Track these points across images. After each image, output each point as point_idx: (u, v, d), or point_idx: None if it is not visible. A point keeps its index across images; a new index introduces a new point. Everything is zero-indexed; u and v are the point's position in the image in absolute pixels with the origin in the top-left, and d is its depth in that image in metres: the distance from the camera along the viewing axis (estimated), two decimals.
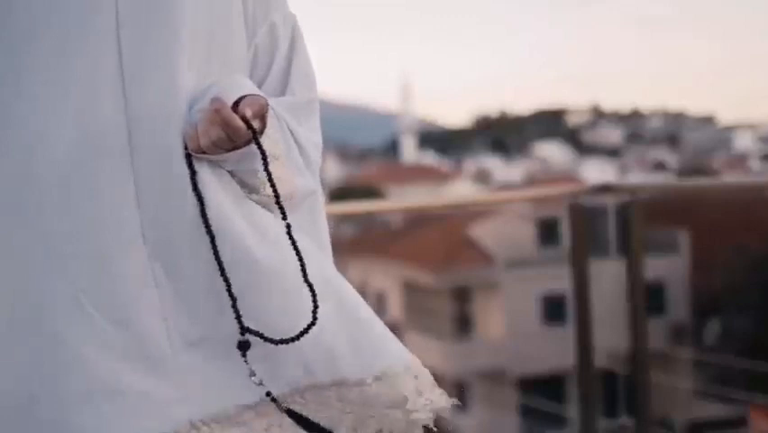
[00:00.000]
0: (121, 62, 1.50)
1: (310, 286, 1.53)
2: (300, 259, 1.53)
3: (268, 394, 1.51)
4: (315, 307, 1.52)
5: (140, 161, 1.49)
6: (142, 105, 1.50)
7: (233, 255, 1.51)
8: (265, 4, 1.65)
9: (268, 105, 1.51)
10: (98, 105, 1.49)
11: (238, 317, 1.50)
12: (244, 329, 1.50)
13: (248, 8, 1.63)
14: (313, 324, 1.51)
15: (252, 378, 1.50)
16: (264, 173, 1.51)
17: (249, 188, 1.55)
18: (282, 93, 1.65)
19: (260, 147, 1.49)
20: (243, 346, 1.50)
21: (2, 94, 1.52)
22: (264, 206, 1.57)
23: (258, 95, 1.52)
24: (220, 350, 1.52)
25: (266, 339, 1.50)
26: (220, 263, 1.50)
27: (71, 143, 1.48)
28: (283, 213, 1.54)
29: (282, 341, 1.50)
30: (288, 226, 1.54)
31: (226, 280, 1.50)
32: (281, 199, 1.54)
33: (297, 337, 1.50)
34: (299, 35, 1.68)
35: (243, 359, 1.49)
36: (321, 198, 1.68)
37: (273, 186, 1.52)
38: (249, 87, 1.54)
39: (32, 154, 1.49)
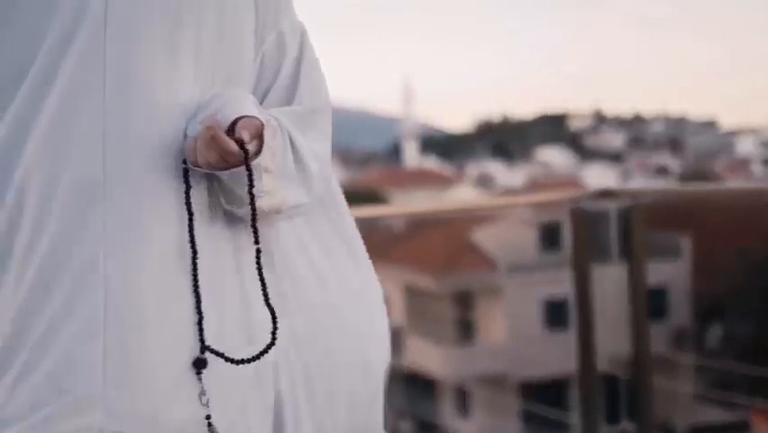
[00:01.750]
0: (105, 71, 1.48)
1: (269, 307, 1.53)
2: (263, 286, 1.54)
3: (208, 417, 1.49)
4: (275, 329, 1.52)
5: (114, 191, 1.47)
6: (134, 120, 1.48)
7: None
8: (274, 11, 1.63)
9: (263, 126, 1.49)
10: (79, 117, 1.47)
11: (201, 331, 1.49)
12: (204, 347, 1.49)
13: (259, 16, 1.61)
14: (271, 345, 1.51)
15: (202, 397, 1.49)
16: (248, 195, 1.50)
17: (237, 202, 1.53)
18: (289, 101, 1.63)
19: (248, 170, 1.48)
20: (199, 364, 1.49)
21: None
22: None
23: (253, 116, 1.50)
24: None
25: (227, 359, 1.49)
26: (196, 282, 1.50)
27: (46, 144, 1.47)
28: (256, 235, 1.52)
29: (241, 361, 1.50)
30: (258, 251, 1.53)
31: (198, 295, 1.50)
32: (266, 213, 1.54)
33: (257, 357, 1.50)
34: (308, 42, 1.67)
35: (198, 377, 1.48)
36: (341, 204, 1.72)
37: (253, 208, 1.51)
38: (249, 106, 1.52)
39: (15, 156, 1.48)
